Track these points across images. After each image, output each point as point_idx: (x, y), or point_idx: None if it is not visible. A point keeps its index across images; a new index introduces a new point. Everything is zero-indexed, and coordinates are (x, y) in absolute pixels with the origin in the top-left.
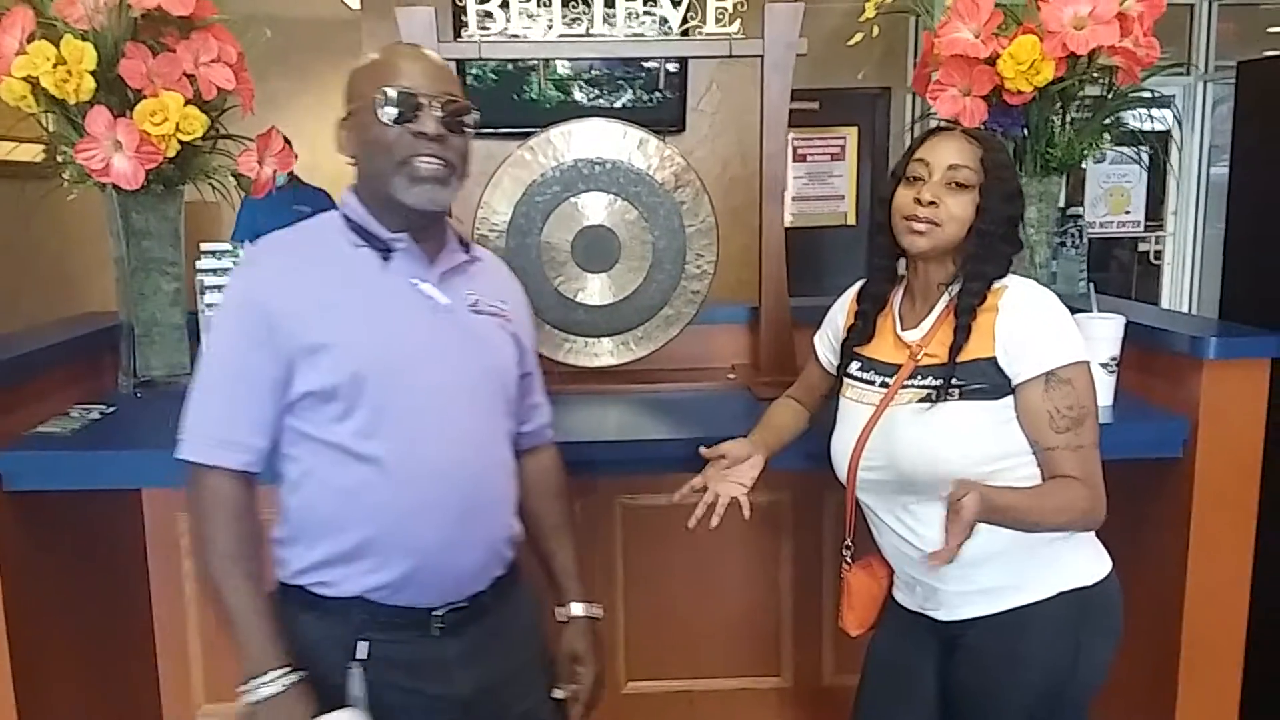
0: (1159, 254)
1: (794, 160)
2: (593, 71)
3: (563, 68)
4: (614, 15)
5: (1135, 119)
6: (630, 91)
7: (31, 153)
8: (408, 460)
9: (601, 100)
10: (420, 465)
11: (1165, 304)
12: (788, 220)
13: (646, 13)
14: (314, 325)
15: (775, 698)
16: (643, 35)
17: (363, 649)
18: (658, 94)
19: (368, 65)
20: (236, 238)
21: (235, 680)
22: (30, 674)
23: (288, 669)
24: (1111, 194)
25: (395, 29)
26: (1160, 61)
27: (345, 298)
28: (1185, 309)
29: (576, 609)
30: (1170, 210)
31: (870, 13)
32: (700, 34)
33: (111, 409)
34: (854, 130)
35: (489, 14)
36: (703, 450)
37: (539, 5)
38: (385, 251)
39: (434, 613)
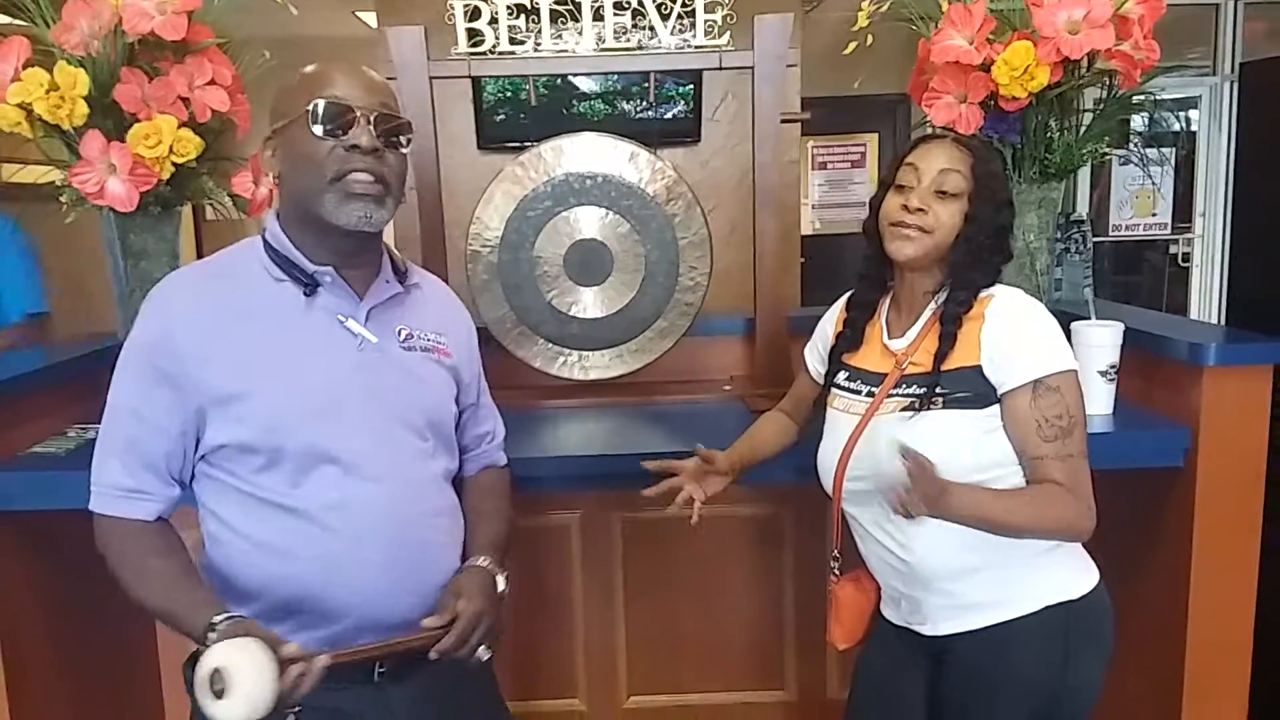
0: (1187, 256)
1: (814, 168)
2: (643, 85)
3: (605, 83)
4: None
5: (1160, 122)
6: (683, 104)
7: (34, 175)
8: (336, 510)
9: (649, 113)
10: (352, 517)
11: (1194, 307)
12: (810, 228)
13: (635, 26)
14: (228, 373)
15: (780, 712)
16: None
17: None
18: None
19: (298, 79)
20: None
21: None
22: (26, 691)
23: (227, 614)
24: (1137, 196)
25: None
26: (1185, 63)
27: (264, 341)
28: (1213, 312)
29: (480, 560)
30: (1198, 212)
31: (863, 21)
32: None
33: None
34: (874, 137)
35: (479, 32)
36: (700, 449)
37: (529, 24)
38: (309, 286)
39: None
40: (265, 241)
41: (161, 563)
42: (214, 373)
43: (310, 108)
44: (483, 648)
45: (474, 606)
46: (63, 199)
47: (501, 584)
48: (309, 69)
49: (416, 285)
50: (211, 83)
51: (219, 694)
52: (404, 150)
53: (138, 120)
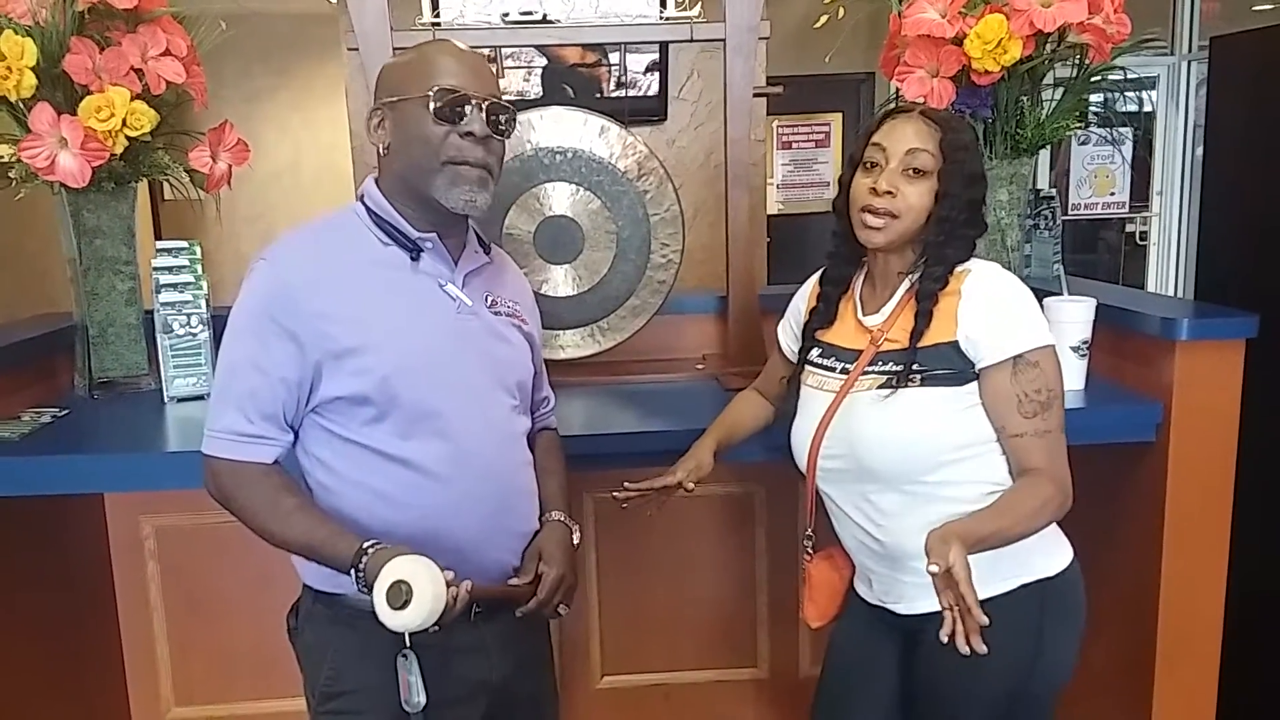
0: (1144, 235)
1: (779, 148)
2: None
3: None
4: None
5: (1118, 100)
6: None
7: None
8: (445, 461)
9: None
10: (457, 466)
11: (1151, 285)
12: (774, 208)
13: None
14: (344, 329)
15: (752, 689)
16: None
17: (407, 638)
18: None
19: (412, 59)
20: None
21: (204, 682)
22: None
23: (374, 541)
24: (1096, 175)
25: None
26: (1146, 41)
27: (376, 300)
28: (1171, 289)
29: (555, 515)
30: (1155, 191)
31: None
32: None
33: (64, 412)
34: (838, 116)
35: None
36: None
37: None
38: (414, 251)
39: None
40: (367, 208)
41: (294, 500)
42: (333, 327)
43: (430, 91)
44: (563, 606)
45: (555, 571)
46: (12, 174)
47: (576, 537)
48: (425, 48)
49: (496, 257)
50: (166, 53)
51: (400, 604)
52: (508, 136)
53: (89, 92)
